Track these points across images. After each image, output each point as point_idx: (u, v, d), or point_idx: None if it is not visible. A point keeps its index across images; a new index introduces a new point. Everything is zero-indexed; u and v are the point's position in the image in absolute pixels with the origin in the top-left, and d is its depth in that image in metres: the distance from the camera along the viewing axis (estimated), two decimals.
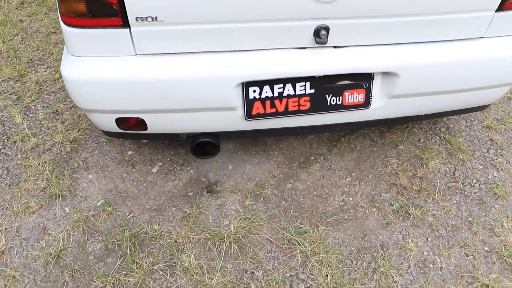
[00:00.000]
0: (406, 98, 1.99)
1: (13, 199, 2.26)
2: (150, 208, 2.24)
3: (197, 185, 2.34)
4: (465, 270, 2.03)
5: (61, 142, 2.52)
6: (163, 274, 1.96)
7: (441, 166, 2.46)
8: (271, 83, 1.85)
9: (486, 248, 2.12)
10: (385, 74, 1.90)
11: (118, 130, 2.00)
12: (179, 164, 2.45)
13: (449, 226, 2.19)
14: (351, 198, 2.31)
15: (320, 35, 1.71)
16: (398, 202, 2.29)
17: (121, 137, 2.11)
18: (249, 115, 1.91)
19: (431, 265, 2.05)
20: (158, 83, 1.76)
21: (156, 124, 1.95)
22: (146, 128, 1.97)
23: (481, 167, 2.47)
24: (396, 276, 2.00)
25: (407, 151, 2.53)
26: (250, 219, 2.18)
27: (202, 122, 1.94)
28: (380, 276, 1.99)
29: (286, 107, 1.92)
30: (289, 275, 1.99)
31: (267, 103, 1.89)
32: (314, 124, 2.05)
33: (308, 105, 1.93)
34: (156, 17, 1.62)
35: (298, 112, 1.94)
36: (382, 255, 2.07)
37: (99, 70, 1.75)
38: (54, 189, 2.28)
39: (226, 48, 1.77)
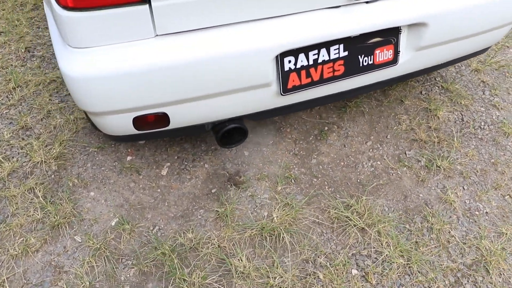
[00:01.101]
0: (430, 49, 1.91)
1: (5, 240, 1.84)
2: (175, 215, 1.96)
3: (218, 180, 2.10)
4: (508, 210, 2.05)
5: (44, 161, 2.11)
6: (219, 286, 1.72)
7: (449, 114, 2.45)
8: (306, 50, 1.67)
9: None
10: (412, 26, 1.80)
11: (133, 132, 1.69)
12: (190, 160, 2.17)
13: (477, 171, 2.20)
14: (378, 162, 2.21)
15: None
16: (424, 157, 2.24)
17: (133, 140, 1.79)
18: (284, 90, 1.71)
19: (477, 212, 2.04)
20: (185, 66, 1.50)
21: (180, 117, 1.67)
22: (168, 124, 1.68)
23: (483, 109, 2.51)
24: (452, 230, 1.95)
25: (413, 105, 2.49)
26: (289, 204, 2.00)
27: (233, 106, 1.70)
28: (437, 234, 1.93)
29: (321, 74, 1.75)
30: (351, 254, 1.86)
31: (303, 73, 1.70)
32: (346, 89, 1.90)
33: (342, 69, 1.77)
34: None
35: (333, 79, 1.78)
36: (430, 212, 2.01)
37: (114, 60, 1.44)
38: (54, 217, 1.90)
39: (259, 15, 1.55)
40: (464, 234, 1.95)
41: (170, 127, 1.70)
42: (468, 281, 1.80)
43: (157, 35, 1.46)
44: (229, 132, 1.85)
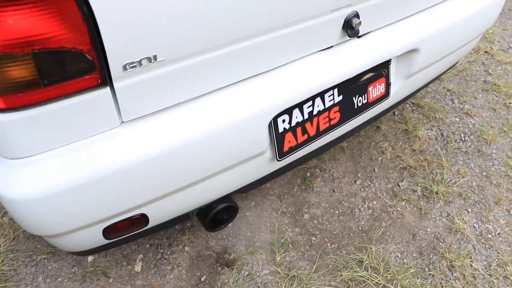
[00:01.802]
0: (418, 74, 1.74)
1: None
2: None
3: (205, 263, 1.77)
4: None
5: None
6: None
7: (428, 132, 2.31)
8: (301, 104, 1.41)
9: None
10: (402, 54, 1.62)
11: (103, 242, 1.33)
12: (165, 246, 1.82)
13: (474, 188, 2.06)
14: (375, 202, 2.00)
15: (353, 24, 1.33)
16: (418, 185, 2.06)
17: (102, 251, 1.43)
18: (281, 154, 1.44)
19: (489, 236, 1.88)
20: (167, 155, 1.18)
21: (161, 213, 1.34)
22: (146, 224, 1.35)
23: (457, 119, 2.40)
24: (473, 263, 1.77)
25: (390, 129, 2.33)
26: (296, 277, 1.71)
27: (223, 185, 1.40)
28: (460, 272, 1.74)
29: (318, 127, 1.50)
30: None
31: (298, 130, 1.45)
32: (341, 134, 1.67)
33: (338, 116, 1.54)
34: (155, 56, 1.04)
35: (330, 129, 1.54)
36: (444, 247, 1.82)
37: (69, 168, 1.09)
38: None
39: (250, 73, 1.27)
40: (486, 264, 1.77)
41: (149, 226, 1.37)
42: None
43: (123, 122, 1.13)
44: (219, 214, 1.54)
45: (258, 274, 1.74)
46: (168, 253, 1.80)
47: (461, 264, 1.77)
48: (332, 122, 1.54)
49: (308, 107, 1.44)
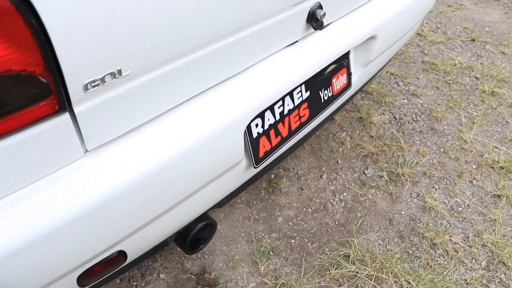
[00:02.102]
0: (375, 60, 1.73)
1: None
2: None
3: (187, 284, 1.63)
4: (483, 194, 1.97)
5: None
6: None
7: (381, 117, 2.32)
8: (272, 105, 1.33)
9: (474, 166, 2.10)
10: (360, 44, 1.59)
11: None
12: (138, 278, 1.65)
13: (436, 166, 2.09)
14: (345, 194, 1.96)
15: (318, 16, 1.27)
16: (383, 171, 2.06)
17: None
18: (257, 160, 1.34)
19: (460, 208, 1.91)
20: (142, 183, 1.04)
21: (140, 246, 1.20)
22: (125, 260, 1.20)
23: (406, 101, 2.44)
24: (452, 237, 1.79)
25: (344, 119, 2.31)
26: (284, 284, 1.63)
27: (201, 202, 1.29)
28: (443, 248, 1.75)
29: (289, 127, 1.43)
30: None
31: (272, 133, 1.36)
32: (310, 129, 1.61)
33: (307, 113, 1.48)
34: (119, 70, 0.91)
35: (300, 127, 1.47)
36: (422, 227, 1.83)
37: (30, 216, 0.92)
38: None
39: (224, 76, 1.17)
40: (463, 237, 1.80)
41: (127, 262, 1.22)
42: (495, 284, 1.65)
43: (87, 151, 0.98)
44: (196, 234, 1.42)
45: None
46: (143, 284, 1.64)
47: (441, 241, 1.78)
48: (303, 120, 1.47)
49: (279, 107, 1.36)
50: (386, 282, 1.65)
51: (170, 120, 1.10)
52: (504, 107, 2.41)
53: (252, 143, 1.29)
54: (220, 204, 1.44)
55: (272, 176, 2.02)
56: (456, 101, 2.43)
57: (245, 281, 1.65)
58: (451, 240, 1.79)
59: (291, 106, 1.39)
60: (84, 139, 0.95)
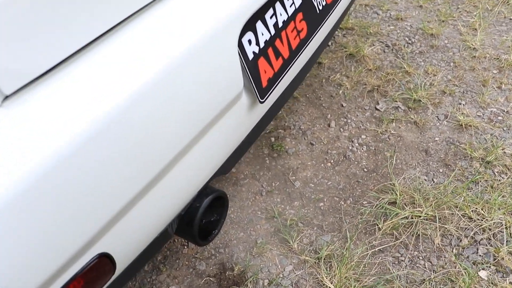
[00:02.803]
0: None
1: None
2: None
3: None
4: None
5: None
6: None
7: (372, 48, 1.99)
8: (261, 13, 0.97)
9: (495, 71, 1.80)
10: None
11: None
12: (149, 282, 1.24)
13: (453, 81, 1.78)
14: (364, 136, 1.62)
15: None
16: (397, 101, 1.73)
17: None
18: (261, 92, 0.98)
19: (500, 117, 1.60)
20: (107, 131, 0.66)
21: (129, 243, 0.80)
22: (113, 269, 0.80)
23: (392, 27, 2.12)
24: (505, 149, 1.47)
25: (333, 60, 1.97)
26: (330, 256, 1.25)
27: (201, 164, 0.90)
28: (501, 166, 1.43)
29: (289, 44, 1.08)
30: (458, 254, 1.21)
31: (270, 53, 1.01)
32: (313, 52, 1.25)
33: (304, 26, 1.13)
34: None
35: (302, 46, 1.13)
36: (465, 148, 1.50)
37: None
38: None
39: None
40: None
41: (117, 273, 0.81)
42: None
43: (6, 96, 0.59)
44: (205, 215, 1.02)
45: (281, 275, 1.25)
46: None
47: (494, 157, 1.45)
48: (302, 36, 1.11)
49: (271, 17, 1.00)
50: (451, 220, 1.31)
51: (131, 33, 0.72)
52: (501, 6, 2.14)
53: (249, 67, 0.93)
54: (225, 168, 1.06)
55: (272, 139, 1.65)
56: (446, 13, 2.14)
57: (279, 266, 1.27)
58: (505, 152, 1.47)
59: (285, 16, 1.04)
60: None
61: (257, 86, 0.96)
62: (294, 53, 1.09)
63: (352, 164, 1.53)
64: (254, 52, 0.95)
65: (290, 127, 1.69)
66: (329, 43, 2.06)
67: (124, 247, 0.79)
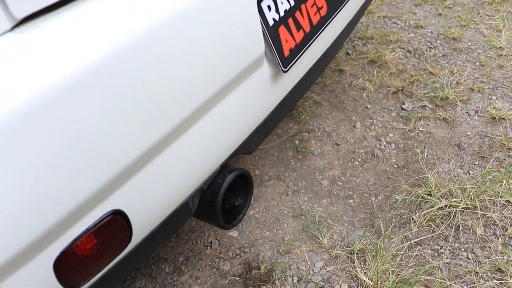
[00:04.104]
0: None
1: None
2: None
3: None
4: None
5: None
6: None
7: (394, 54, 1.96)
8: None
9: None
10: None
11: None
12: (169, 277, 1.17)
13: (481, 79, 1.72)
14: (391, 135, 1.55)
15: None
16: (423, 100, 1.67)
17: None
18: (284, 60, 0.94)
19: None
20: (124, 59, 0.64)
21: (147, 207, 0.75)
22: (129, 237, 0.74)
23: (413, 34, 2.09)
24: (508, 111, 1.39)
25: (355, 66, 1.94)
26: (362, 251, 1.17)
27: (222, 134, 0.86)
28: None
29: (310, 19, 1.05)
30: (504, 242, 1.11)
31: (291, 23, 0.98)
32: (335, 37, 1.22)
33: (323, 3, 1.11)
34: None
35: (322, 23, 1.10)
36: (501, 140, 1.42)
37: None
38: None
39: None
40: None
41: (133, 242, 0.76)
42: None
43: (17, 24, 0.58)
44: (228, 193, 0.97)
45: (311, 272, 1.16)
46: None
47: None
48: (322, 13, 1.09)
49: None
50: (494, 210, 1.21)
51: None
52: None
53: (270, 33, 0.90)
54: (248, 147, 1.01)
55: (297, 142, 1.60)
56: (466, 19, 2.11)
57: (309, 263, 1.18)
58: None
59: None
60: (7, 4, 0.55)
61: (279, 54, 0.93)
62: (315, 29, 1.06)
63: (381, 161, 1.46)
64: (274, 19, 0.92)
65: (314, 130, 1.64)
66: (349, 52, 2.04)
67: (141, 209, 0.74)
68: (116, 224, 0.71)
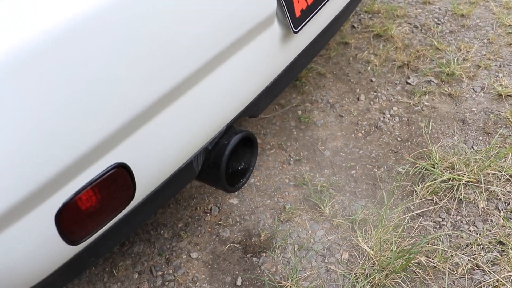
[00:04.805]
0: None
1: None
2: None
3: (230, 263, 1.13)
4: None
5: None
6: None
7: (400, 29, 1.93)
8: None
9: None
10: None
11: (64, 257, 0.68)
12: (162, 264, 1.15)
13: (488, 56, 1.69)
14: (395, 108, 1.53)
15: None
16: (429, 75, 1.65)
17: (68, 282, 0.76)
18: (295, 21, 0.92)
19: None
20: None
21: (151, 163, 0.73)
22: (132, 193, 0.72)
23: (420, 10, 2.05)
24: None
25: (360, 40, 1.90)
26: (364, 220, 1.16)
27: (229, 91, 0.84)
28: None
29: None
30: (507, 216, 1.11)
31: None
32: (340, 10, 1.19)
33: None
34: None
35: None
36: (507, 117, 1.41)
37: None
38: None
39: None
40: None
41: (136, 199, 0.74)
42: None
43: None
44: (232, 156, 0.95)
45: (312, 240, 1.16)
46: (171, 271, 1.15)
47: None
48: None
49: None
50: (497, 184, 1.21)
51: None
52: None
53: None
54: (254, 109, 0.99)
55: (299, 112, 1.58)
56: None
57: (310, 231, 1.18)
58: None
59: None
60: None
61: (291, 14, 0.90)
62: None
63: (385, 134, 1.45)
64: None
65: (317, 101, 1.62)
66: (355, 25, 2.00)
67: (145, 165, 0.72)
68: (120, 178, 0.69)
